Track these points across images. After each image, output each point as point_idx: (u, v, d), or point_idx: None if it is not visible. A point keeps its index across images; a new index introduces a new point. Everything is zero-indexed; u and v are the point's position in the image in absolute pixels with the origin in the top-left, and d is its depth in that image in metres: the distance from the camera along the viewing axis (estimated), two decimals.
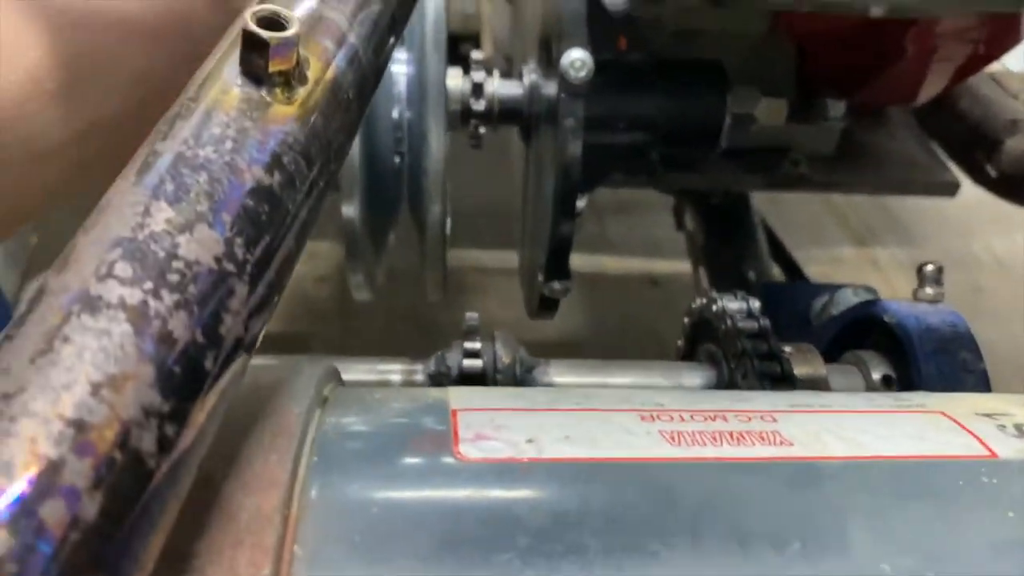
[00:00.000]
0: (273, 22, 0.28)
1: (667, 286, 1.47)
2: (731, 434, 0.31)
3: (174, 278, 0.23)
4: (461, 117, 0.69)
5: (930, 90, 0.89)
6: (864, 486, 0.29)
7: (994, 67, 0.94)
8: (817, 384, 0.55)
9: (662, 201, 1.28)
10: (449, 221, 0.69)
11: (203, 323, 0.23)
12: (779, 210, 1.49)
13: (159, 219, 0.24)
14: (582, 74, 0.55)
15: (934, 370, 0.54)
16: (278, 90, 0.28)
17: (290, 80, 0.28)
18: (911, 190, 0.93)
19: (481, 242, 1.47)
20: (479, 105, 0.66)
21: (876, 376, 0.56)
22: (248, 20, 0.28)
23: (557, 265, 0.64)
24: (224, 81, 0.28)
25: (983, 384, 0.55)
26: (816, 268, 1.49)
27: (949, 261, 1.68)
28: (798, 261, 1.14)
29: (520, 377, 0.55)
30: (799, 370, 0.55)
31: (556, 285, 0.64)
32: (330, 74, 0.31)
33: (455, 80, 0.68)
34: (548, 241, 0.62)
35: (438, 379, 0.55)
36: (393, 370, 0.56)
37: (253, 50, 0.28)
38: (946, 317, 0.56)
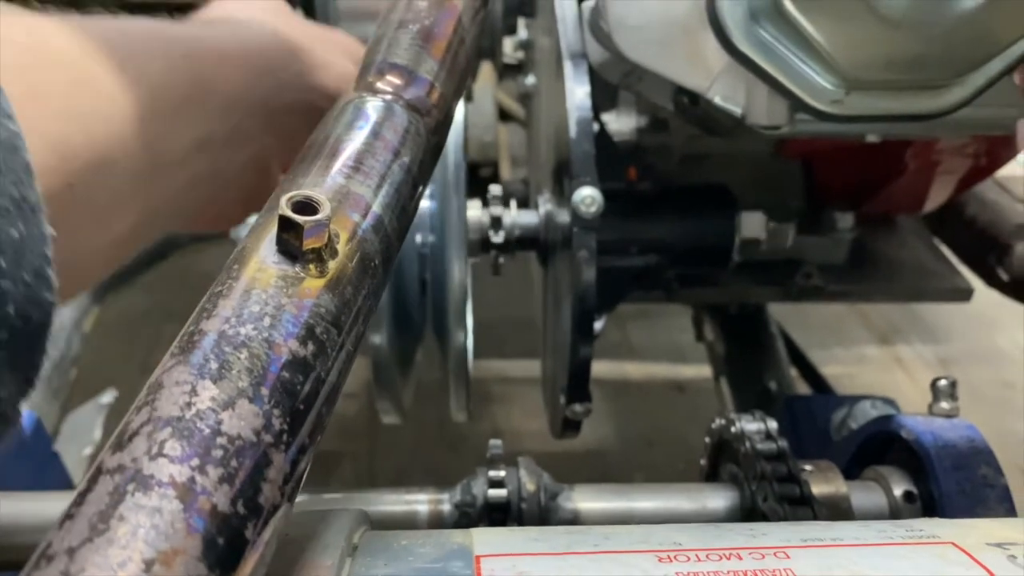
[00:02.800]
0: (306, 206, 0.31)
1: (693, 392, 1.47)
2: (745, 573, 0.32)
3: (218, 453, 0.25)
4: (481, 247, 0.72)
5: (936, 199, 0.92)
6: None
7: (1001, 172, 0.97)
8: (838, 503, 0.56)
9: (683, 307, 1.30)
10: (471, 338, 0.72)
11: (244, 495, 0.25)
12: (801, 311, 1.49)
13: (204, 397, 0.26)
14: (592, 210, 0.58)
15: (954, 486, 0.54)
16: (311, 265, 0.31)
17: (322, 255, 0.31)
18: (925, 297, 0.94)
19: (504, 352, 1.49)
20: (498, 238, 0.69)
21: (898, 492, 0.57)
22: (283, 205, 0.31)
23: (578, 387, 0.66)
24: (261, 259, 0.31)
25: (1006, 498, 0.55)
26: (840, 368, 1.49)
27: (975, 356, 1.66)
28: (818, 365, 1.14)
29: (544, 504, 0.56)
30: (820, 489, 0.56)
31: (577, 407, 0.66)
32: (358, 245, 0.33)
33: (474, 211, 0.71)
34: (568, 365, 0.64)
35: (464, 508, 0.56)
36: (420, 500, 0.57)
37: (288, 232, 0.30)
38: (963, 432, 0.57)
